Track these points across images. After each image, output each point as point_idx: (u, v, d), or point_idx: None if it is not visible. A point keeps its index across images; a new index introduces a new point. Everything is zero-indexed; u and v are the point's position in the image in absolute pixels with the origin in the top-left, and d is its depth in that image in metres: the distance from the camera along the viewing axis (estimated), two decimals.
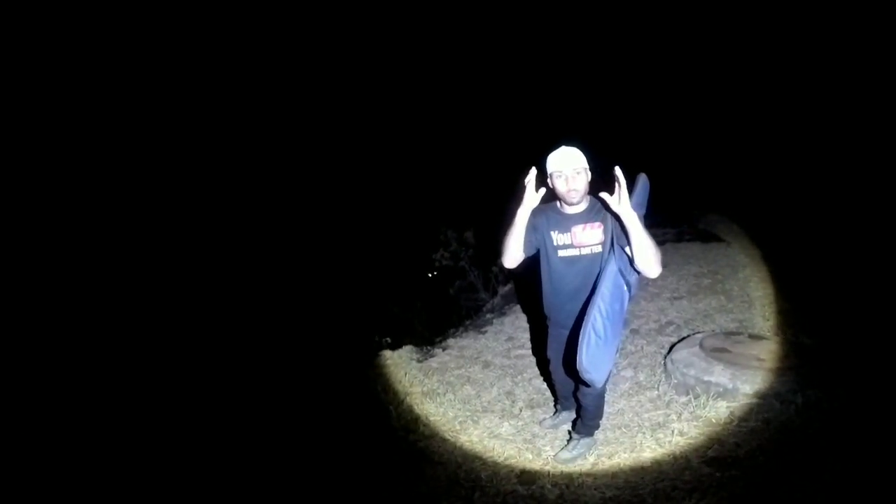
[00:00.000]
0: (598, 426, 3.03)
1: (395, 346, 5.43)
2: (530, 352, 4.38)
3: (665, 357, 3.77)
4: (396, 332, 7.92)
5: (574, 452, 2.94)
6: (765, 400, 3.04)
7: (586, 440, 2.98)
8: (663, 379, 3.63)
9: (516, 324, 5.09)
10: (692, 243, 7.50)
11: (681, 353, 3.59)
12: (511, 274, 7.98)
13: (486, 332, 5.08)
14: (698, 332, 3.98)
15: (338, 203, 12.30)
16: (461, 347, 4.79)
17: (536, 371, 4.09)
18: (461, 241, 8.06)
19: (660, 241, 8.00)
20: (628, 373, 3.82)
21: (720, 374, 3.25)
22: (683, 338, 3.95)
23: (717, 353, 3.49)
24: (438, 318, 8.03)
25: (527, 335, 4.74)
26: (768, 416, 2.95)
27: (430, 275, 8.89)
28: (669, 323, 4.54)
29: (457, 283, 8.21)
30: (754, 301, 4.90)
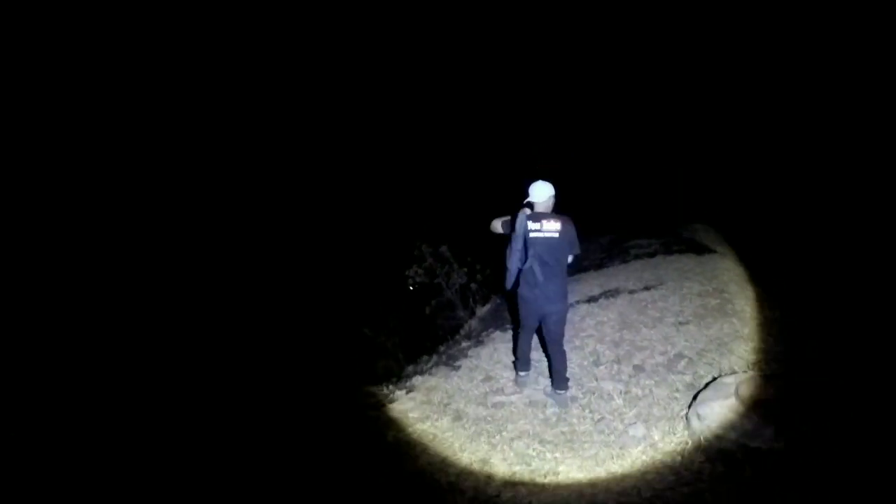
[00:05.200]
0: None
1: (356, 379, 4.45)
2: (511, 397, 3.32)
3: (688, 409, 2.76)
4: (366, 354, 6.91)
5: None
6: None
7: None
8: (687, 439, 2.61)
9: (494, 357, 4.02)
10: (684, 255, 6.56)
11: (711, 407, 2.58)
12: (490, 294, 7.04)
13: (459, 367, 4.00)
14: (725, 375, 2.98)
15: (310, 216, 11.20)
16: (429, 389, 3.71)
17: (519, 426, 3.03)
18: (437, 256, 7.05)
19: (649, 253, 7.08)
20: (639, 430, 2.78)
21: (775, 440, 2.25)
22: (707, 383, 2.94)
23: (760, 404, 2.49)
24: (413, 338, 7.04)
25: (508, 373, 3.68)
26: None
27: (407, 290, 7.88)
28: (679, 356, 3.53)
29: (433, 301, 7.21)
30: (773, 325, 3.95)
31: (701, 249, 6.84)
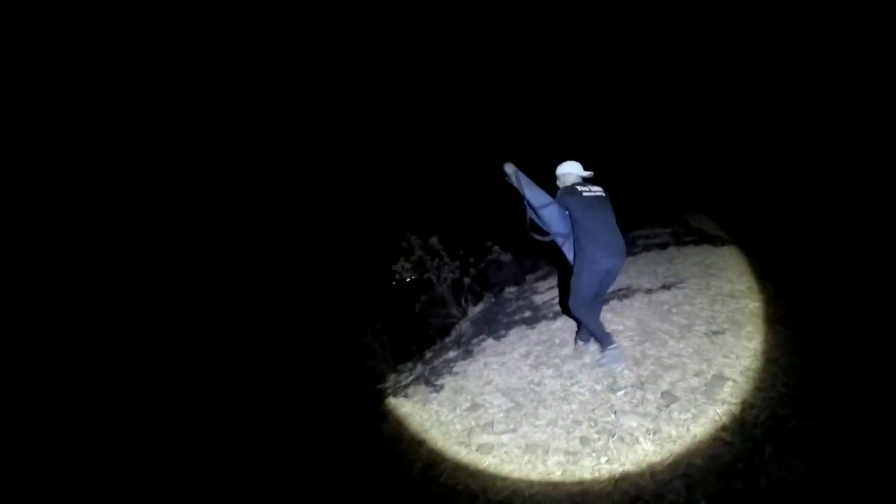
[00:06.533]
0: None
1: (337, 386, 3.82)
2: (502, 437, 2.51)
3: (747, 461, 1.94)
4: (353, 356, 6.26)
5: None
6: None
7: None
8: None
9: (484, 376, 3.20)
10: (700, 247, 5.74)
11: (786, 463, 1.78)
12: (483, 292, 6.32)
13: (441, 388, 3.19)
14: (801, 415, 2.15)
15: (291, 204, 10.41)
16: (401, 418, 2.91)
17: (509, 483, 2.22)
18: (426, 248, 6.33)
19: (659, 245, 6.28)
20: (678, 493, 1.97)
21: None
22: (770, 421, 2.12)
23: (856, 459, 1.68)
24: (400, 338, 6.37)
25: (498, 400, 2.86)
26: None
27: (394, 286, 7.18)
28: (720, 378, 2.70)
29: (423, 297, 6.51)
30: (839, 337, 3.12)
31: (715, 240, 6.01)
